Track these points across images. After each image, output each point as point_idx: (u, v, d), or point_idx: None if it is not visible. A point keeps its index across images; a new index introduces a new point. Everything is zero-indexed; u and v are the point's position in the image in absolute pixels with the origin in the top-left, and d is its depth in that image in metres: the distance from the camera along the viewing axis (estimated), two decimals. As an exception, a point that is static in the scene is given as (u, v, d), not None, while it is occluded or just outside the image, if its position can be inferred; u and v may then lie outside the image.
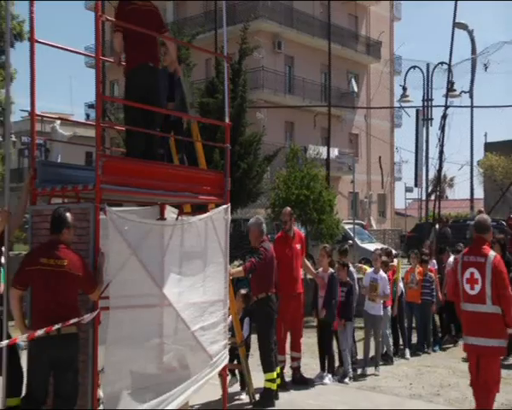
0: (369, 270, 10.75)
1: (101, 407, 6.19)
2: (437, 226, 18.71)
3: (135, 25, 6.74)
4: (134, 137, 7.14)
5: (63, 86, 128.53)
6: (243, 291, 8.96)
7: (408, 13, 77.61)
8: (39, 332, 5.56)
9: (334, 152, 33.47)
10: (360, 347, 10.60)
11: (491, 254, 6.68)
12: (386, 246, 15.56)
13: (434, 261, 13.32)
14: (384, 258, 11.12)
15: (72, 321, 5.77)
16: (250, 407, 8.35)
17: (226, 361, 7.57)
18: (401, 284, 11.68)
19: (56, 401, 5.93)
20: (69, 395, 5.87)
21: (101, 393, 6.23)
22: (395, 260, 11.95)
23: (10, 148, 6.89)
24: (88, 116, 41.93)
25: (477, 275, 6.63)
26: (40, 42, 6.88)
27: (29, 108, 7.04)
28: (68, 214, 5.97)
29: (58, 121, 16.78)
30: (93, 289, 5.92)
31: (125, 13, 6.90)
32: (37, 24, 6.77)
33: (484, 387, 6.62)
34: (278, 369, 8.75)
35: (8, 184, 6.61)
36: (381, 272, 10.53)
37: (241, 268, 8.66)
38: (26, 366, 6.09)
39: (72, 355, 5.88)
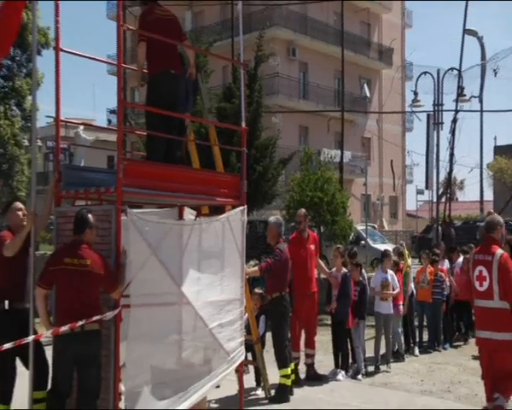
0: (379, 270, 10.69)
1: (122, 400, 6.20)
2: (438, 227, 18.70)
3: (158, 33, 6.75)
4: (154, 142, 7.15)
5: (86, 93, 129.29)
6: (258, 290, 8.97)
7: (419, 20, 77.48)
8: (64, 329, 5.59)
9: (347, 155, 33.33)
10: (371, 345, 10.54)
11: (498, 252, 6.69)
12: (396, 245, 15.46)
13: (447, 261, 13.23)
14: (395, 258, 11.13)
15: (94, 318, 5.79)
16: (265, 402, 8.34)
17: (243, 358, 7.56)
18: (412, 284, 11.63)
19: (80, 394, 5.95)
20: (92, 388, 5.89)
21: (122, 387, 6.24)
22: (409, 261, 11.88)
23: (36, 152, 6.93)
24: (110, 121, 42.09)
25: (485, 273, 6.68)
26: (65, 51, 6.92)
27: (54, 114, 7.06)
28: (90, 216, 5.99)
29: (81, 127, 16.80)
30: (114, 288, 5.93)
31: (149, 22, 6.89)
32: (61, 33, 6.82)
33: (504, 376, 6.63)
34: (293, 365, 8.75)
35: (34, 187, 6.67)
36: (389, 271, 10.49)
37: (256, 268, 8.66)
38: (51, 360, 6.13)
39: (94, 351, 5.90)
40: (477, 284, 6.79)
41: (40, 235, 8.00)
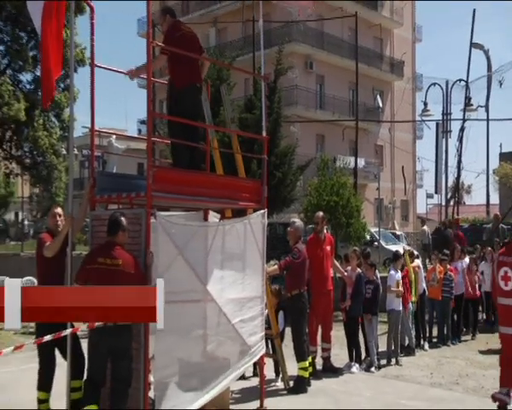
0: (392, 270, 10.62)
1: (152, 390, 6.25)
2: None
3: (185, 49, 6.80)
4: (180, 150, 7.19)
5: (119, 105, 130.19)
6: (275, 286, 8.99)
7: (428, 35, 77.17)
8: (98, 323, 5.64)
9: (361, 162, 33.24)
10: (383, 340, 10.50)
11: None
12: (408, 247, 15.36)
13: (467, 260, 13.14)
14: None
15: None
16: (285, 392, 8.34)
17: (263, 351, 7.56)
18: (423, 284, 11.57)
19: (113, 383, 6.01)
20: (124, 378, 5.95)
21: (152, 378, 6.29)
22: (416, 261, 11.80)
23: (73, 160, 7.01)
24: (140, 131, 42.40)
25: (510, 273, 6.95)
26: (99, 66, 7.00)
27: (89, 125, 7.15)
28: (123, 219, 6.05)
29: (114, 136, 16.94)
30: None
31: (176, 38, 6.90)
32: (96, 50, 6.92)
33: None
34: (310, 358, 8.73)
35: (71, 192, 6.76)
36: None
37: (276, 267, 8.68)
38: (86, 352, 6.19)
39: (126, 344, 5.95)
40: (502, 283, 7.04)
41: (76, 236, 8.07)
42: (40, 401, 6.59)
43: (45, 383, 6.63)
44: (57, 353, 6.70)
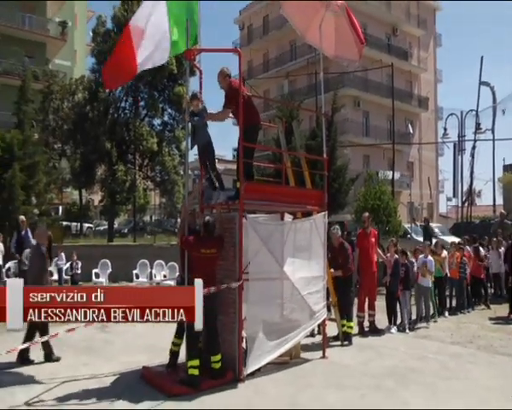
0: (421, 255, 10.21)
1: (244, 341, 6.29)
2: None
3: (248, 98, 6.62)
4: (250, 166, 6.84)
5: (219, 136, 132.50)
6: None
7: (447, 76, 73.81)
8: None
9: (397, 175, 32.08)
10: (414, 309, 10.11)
11: None
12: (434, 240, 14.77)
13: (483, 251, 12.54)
14: (432, 247, 10.89)
15: (222, 286, 5.90)
16: (339, 345, 8.19)
17: (325, 316, 7.46)
18: (447, 268, 11.05)
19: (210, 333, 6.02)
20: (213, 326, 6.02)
21: (244, 333, 6.33)
22: (444, 252, 11.22)
23: (188, 178, 7.19)
24: (234, 156, 42.99)
25: None
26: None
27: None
28: (213, 221, 6.16)
29: (216, 160, 17.33)
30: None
31: (246, 99, 6.47)
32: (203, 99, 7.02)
33: None
34: (351, 323, 8.48)
35: (187, 201, 6.84)
36: (429, 257, 10.07)
37: (340, 272, 8.30)
38: None
39: (217, 306, 6.07)
40: None
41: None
42: (174, 344, 6.51)
43: (179, 331, 6.48)
44: None
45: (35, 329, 6.78)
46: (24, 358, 6.82)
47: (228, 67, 6.63)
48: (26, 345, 6.41)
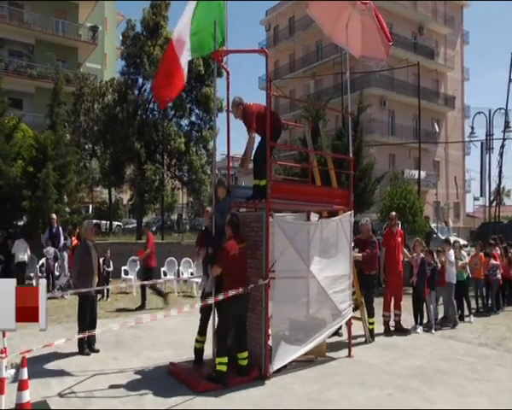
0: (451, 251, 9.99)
1: (270, 339, 6.28)
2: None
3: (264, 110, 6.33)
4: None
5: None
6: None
7: (475, 74, 71.76)
8: (231, 293, 5.74)
9: (423, 174, 31.51)
10: (440, 309, 9.92)
11: None
12: (459, 239, 14.34)
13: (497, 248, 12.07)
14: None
15: (250, 286, 5.91)
16: (364, 342, 8.14)
17: (351, 314, 7.40)
18: (468, 269, 10.69)
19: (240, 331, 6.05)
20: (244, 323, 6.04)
21: (270, 331, 6.33)
22: (463, 252, 10.81)
23: (215, 177, 7.22)
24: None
25: None
26: (231, 112, 7.12)
27: (226, 152, 7.33)
28: (238, 216, 6.15)
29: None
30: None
31: (262, 114, 6.30)
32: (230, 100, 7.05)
33: None
34: (372, 319, 8.41)
35: (214, 200, 6.88)
36: (451, 250, 9.93)
37: (361, 255, 8.36)
38: (218, 315, 6.15)
39: (247, 308, 6.09)
40: None
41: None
42: (198, 342, 6.55)
43: (202, 329, 6.55)
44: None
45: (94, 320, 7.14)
46: (84, 348, 7.16)
47: (240, 97, 6.44)
48: (81, 335, 6.67)
